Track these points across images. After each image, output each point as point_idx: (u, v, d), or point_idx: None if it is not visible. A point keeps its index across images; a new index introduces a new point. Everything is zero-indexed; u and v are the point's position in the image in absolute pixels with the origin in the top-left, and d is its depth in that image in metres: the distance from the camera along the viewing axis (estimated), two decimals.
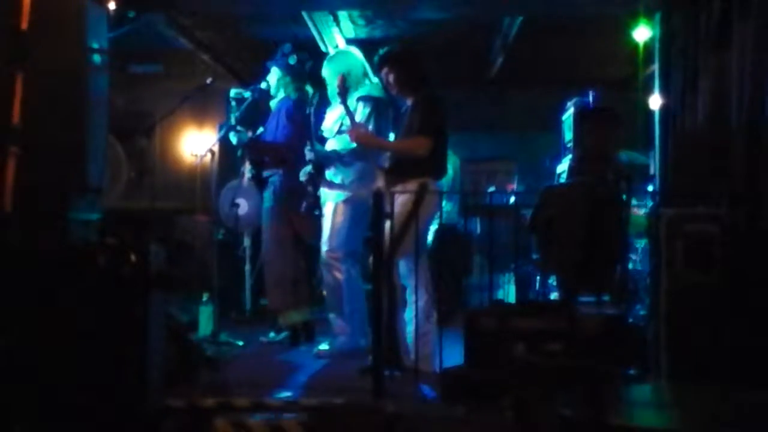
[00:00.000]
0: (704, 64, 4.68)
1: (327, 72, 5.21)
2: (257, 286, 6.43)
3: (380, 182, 4.60)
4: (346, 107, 4.82)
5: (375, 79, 5.10)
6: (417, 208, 4.37)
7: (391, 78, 4.71)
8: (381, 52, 4.80)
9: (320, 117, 5.30)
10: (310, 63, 5.63)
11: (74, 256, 3.21)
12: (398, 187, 4.45)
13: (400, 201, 4.43)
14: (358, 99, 5.04)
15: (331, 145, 5.16)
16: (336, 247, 5.07)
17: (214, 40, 7.13)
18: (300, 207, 5.23)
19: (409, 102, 4.69)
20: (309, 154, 5.11)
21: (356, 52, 5.28)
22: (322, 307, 5.51)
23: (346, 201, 5.07)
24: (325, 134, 5.23)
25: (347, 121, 4.87)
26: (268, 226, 5.53)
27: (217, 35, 7.05)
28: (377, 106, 5.00)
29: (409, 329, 4.42)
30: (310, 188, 5.16)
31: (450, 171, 6.99)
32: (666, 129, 5.14)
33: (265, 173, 5.65)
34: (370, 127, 4.91)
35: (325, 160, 5.13)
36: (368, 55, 5.16)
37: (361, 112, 4.98)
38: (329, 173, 5.13)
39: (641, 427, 2.53)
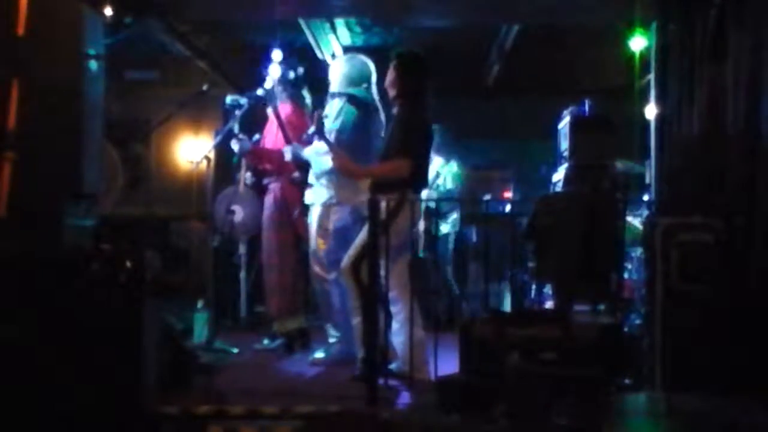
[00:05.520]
0: (700, 73, 4.69)
1: (331, 71, 5.17)
2: (253, 293, 6.41)
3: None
4: (325, 140, 4.77)
5: (373, 88, 5.07)
6: (391, 219, 4.28)
7: (392, 77, 4.61)
8: (399, 50, 4.74)
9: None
10: (303, 68, 5.63)
11: (69, 262, 3.21)
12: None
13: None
14: (347, 99, 4.96)
15: (309, 150, 5.11)
16: (323, 255, 5.05)
17: (210, 47, 7.13)
18: (296, 213, 5.23)
19: (394, 111, 4.63)
20: (287, 154, 5.14)
21: (366, 60, 5.22)
22: (318, 314, 5.51)
23: (332, 209, 5.03)
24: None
25: (329, 124, 4.86)
26: (269, 233, 5.51)
27: (214, 42, 7.06)
28: (364, 109, 4.95)
29: (398, 339, 4.42)
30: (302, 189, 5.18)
31: (458, 179, 6.95)
32: (662, 138, 5.15)
33: (265, 180, 5.65)
34: (348, 132, 4.89)
35: (300, 161, 5.15)
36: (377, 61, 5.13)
37: (346, 111, 4.92)
38: (311, 175, 5.12)
39: None
